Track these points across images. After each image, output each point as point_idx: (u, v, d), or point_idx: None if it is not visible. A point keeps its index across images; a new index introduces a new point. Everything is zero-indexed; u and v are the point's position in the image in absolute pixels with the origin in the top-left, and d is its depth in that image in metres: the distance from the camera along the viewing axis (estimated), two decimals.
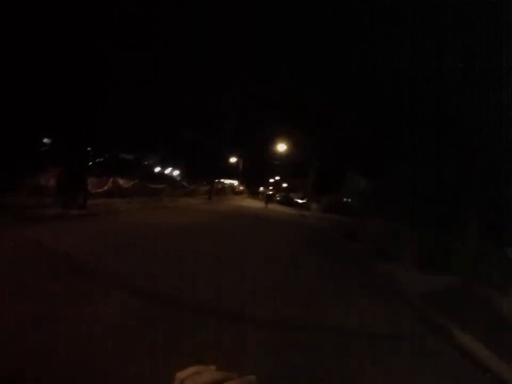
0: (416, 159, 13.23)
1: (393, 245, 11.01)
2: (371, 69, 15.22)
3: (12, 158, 13.62)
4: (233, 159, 53.97)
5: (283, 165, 50.37)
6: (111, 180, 17.17)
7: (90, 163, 28.64)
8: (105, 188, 16.56)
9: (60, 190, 12.14)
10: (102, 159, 29.46)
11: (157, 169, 49.90)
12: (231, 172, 58.11)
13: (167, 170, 54.82)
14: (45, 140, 29.90)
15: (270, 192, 53.97)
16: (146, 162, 52.58)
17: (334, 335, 4.34)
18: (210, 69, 32.37)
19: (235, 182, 62.42)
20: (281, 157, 41.13)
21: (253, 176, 62.20)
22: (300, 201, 40.44)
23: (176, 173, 55.95)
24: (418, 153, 12.92)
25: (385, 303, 6.15)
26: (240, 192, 58.55)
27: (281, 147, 37.85)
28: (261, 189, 66.78)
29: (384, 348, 4.18)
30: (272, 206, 35.95)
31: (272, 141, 39.50)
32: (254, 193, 59.62)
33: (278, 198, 49.51)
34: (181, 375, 0.53)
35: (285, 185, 64.69)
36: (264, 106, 40.80)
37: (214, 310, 4.42)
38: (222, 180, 58.20)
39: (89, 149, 35.09)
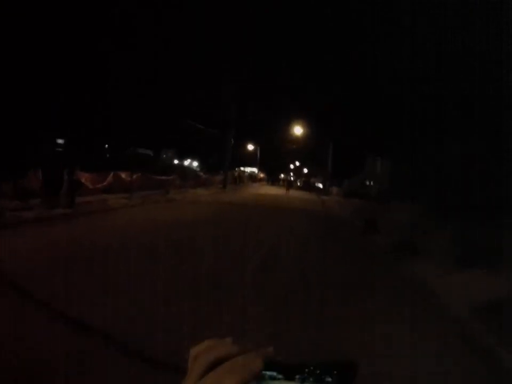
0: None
1: (422, 236, 9.30)
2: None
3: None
4: (250, 147, 52.76)
5: (301, 150, 48.59)
6: (111, 174, 16.25)
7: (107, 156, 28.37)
8: (105, 183, 15.66)
9: (47, 189, 11.30)
10: (110, 155, 29.09)
11: (175, 162, 49.62)
12: (250, 160, 57.22)
13: (186, 162, 54.58)
14: (59, 141, 29.77)
15: (291, 179, 53.07)
16: (164, 156, 52.62)
17: None
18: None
19: (255, 170, 61.59)
20: (298, 141, 39.36)
21: (272, 164, 61.00)
22: (320, 186, 38.90)
23: (195, 164, 55.79)
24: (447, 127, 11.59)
25: (425, 327, 4.24)
26: (259, 180, 57.49)
27: (298, 130, 36.06)
28: (282, 175, 65.94)
29: None
30: (293, 192, 34.82)
31: (287, 125, 37.81)
32: (274, 180, 58.54)
33: (299, 184, 48.48)
34: (194, 350, 0.48)
35: (305, 170, 63.04)
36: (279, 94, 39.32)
37: None
38: (241, 168, 57.29)
39: (106, 146, 35.07)
